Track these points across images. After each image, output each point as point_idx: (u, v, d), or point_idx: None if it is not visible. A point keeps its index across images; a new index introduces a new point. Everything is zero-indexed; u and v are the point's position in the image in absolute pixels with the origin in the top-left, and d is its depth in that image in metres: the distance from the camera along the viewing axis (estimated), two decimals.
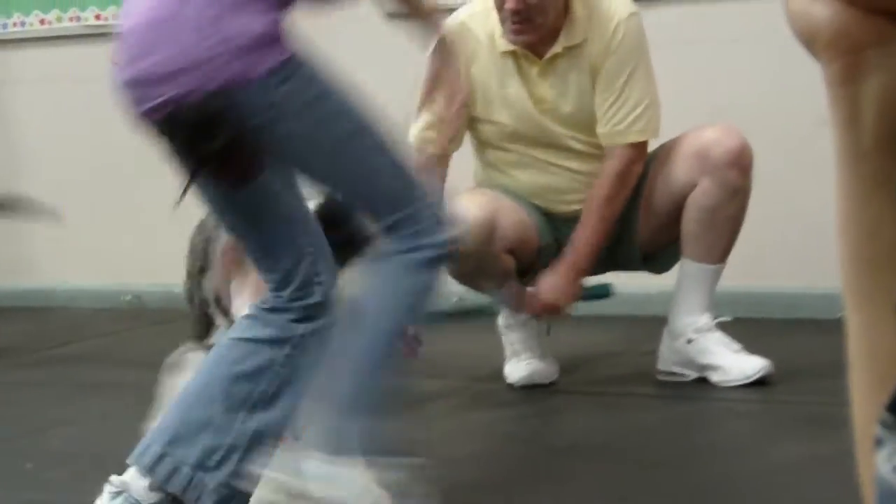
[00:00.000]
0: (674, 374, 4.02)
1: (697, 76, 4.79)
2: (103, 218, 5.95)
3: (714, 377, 3.93)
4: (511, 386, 4.14)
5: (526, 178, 4.03)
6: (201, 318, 3.19)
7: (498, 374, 4.19)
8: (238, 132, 2.53)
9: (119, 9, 5.85)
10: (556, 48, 3.91)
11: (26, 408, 4.38)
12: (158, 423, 2.75)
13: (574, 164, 4.00)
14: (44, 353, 5.18)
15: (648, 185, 3.98)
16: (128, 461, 2.72)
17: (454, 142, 3.99)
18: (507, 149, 4.03)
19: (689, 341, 3.96)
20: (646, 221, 4.01)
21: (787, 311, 4.67)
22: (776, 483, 2.95)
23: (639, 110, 3.87)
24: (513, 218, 3.98)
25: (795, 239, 4.66)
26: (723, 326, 4.05)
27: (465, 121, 3.98)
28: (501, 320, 4.22)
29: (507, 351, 4.20)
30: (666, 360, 4.03)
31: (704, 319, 3.96)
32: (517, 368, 4.15)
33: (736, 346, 3.96)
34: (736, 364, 3.90)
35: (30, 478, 3.57)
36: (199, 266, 3.18)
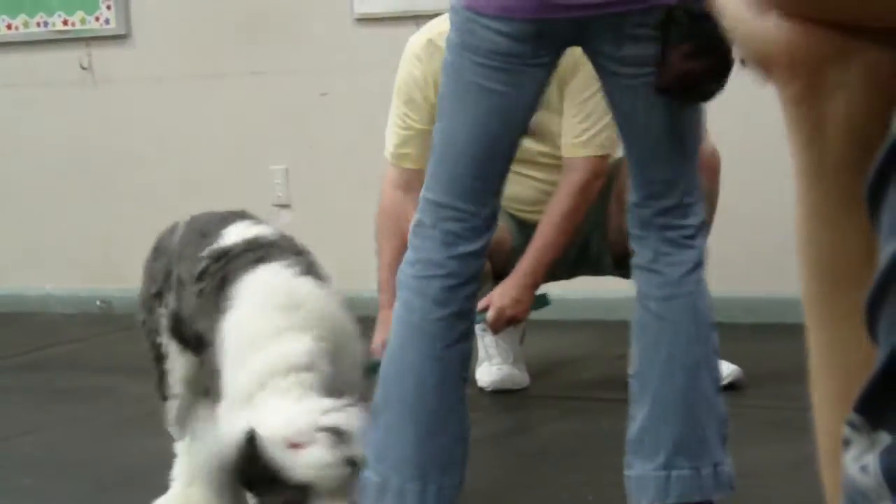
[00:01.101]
0: None
1: None
2: (73, 223, 5.93)
3: None
4: (482, 390, 4.15)
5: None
6: (153, 350, 3.01)
7: (470, 378, 4.20)
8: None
9: (86, 14, 5.85)
10: None
11: None
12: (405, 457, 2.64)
13: (538, 174, 4.03)
14: (14, 358, 5.16)
15: (617, 190, 4.00)
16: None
17: (427, 156, 4.02)
18: None
19: None
20: (616, 226, 4.02)
21: (753, 316, 4.69)
22: (743, 486, 2.97)
23: (601, 125, 3.89)
24: None
25: (761, 243, 4.68)
26: None
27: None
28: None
29: (480, 353, 4.22)
30: None
31: None
32: (489, 373, 4.16)
33: None
34: None
35: None
36: (155, 291, 2.98)
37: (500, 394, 4.12)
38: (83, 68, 5.85)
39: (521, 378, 4.17)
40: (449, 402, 2.61)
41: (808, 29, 0.62)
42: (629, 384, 2.79)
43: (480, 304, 4.00)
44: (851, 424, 0.58)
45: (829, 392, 0.63)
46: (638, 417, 2.72)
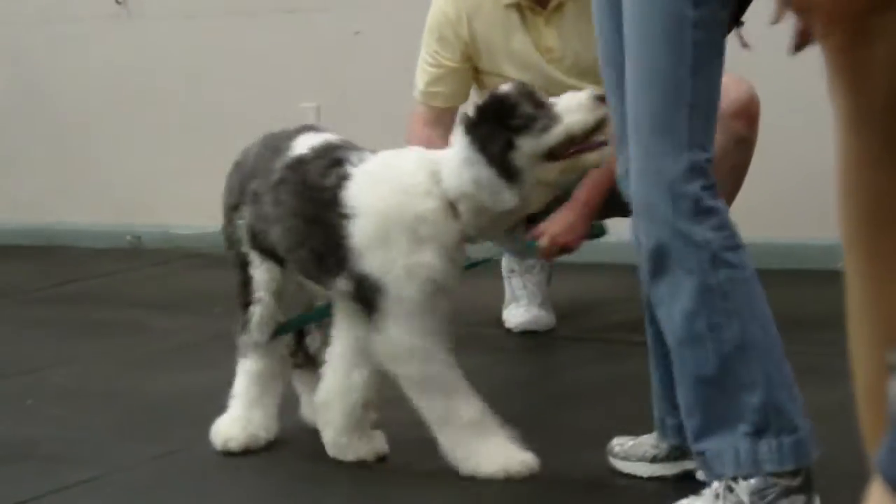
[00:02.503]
0: None
1: None
2: (105, 157, 5.95)
3: None
4: (510, 331, 4.16)
5: None
6: (236, 258, 3.15)
7: (498, 320, 4.21)
8: None
9: None
10: None
11: (27, 346, 4.40)
12: None
13: None
14: (45, 291, 5.20)
15: None
16: None
17: (460, 95, 3.99)
18: None
19: None
20: None
21: (784, 262, 4.68)
22: None
23: None
24: None
25: (793, 190, 4.66)
26: None
27: (471, 74, 3.98)
28: (505, 264, 4.23)
29: (508, 295, 4.22)
30: None
31: None
32: (516, 314, 4.16)
33: None
34: None
35: (30, 414, 3.60)
36: (233, 203, 3.15)
37: (527, 335, 4.12)
38: (118, 3, 5.84)
39: (547, 320, 4.17)
40: None
41: None
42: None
43: (533, 233, 3.96)
44: None
45: (868, 333, 0.63)
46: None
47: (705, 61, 2.51)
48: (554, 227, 3.86)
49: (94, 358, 4.16)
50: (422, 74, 4.00)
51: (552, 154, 2.87)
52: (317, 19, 5.44)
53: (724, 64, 2.58)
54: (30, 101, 6.10)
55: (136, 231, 5.88)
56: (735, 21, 2.63)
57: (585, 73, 3.91)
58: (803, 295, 4.29)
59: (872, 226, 0.63)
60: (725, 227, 2.53)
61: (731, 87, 3.85)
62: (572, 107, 2.87)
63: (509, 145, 2.85)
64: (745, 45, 2.61)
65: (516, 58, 3.92)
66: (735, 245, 2.54)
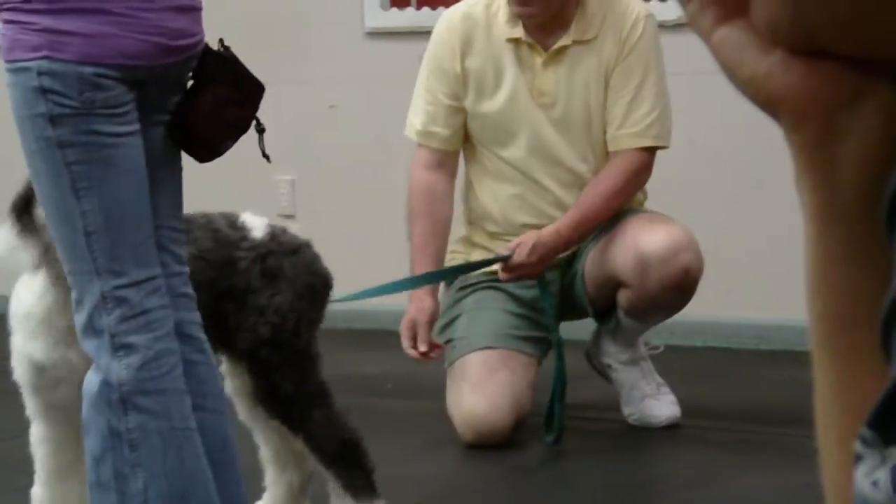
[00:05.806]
0: (594, 366, 3.97)
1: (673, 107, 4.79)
2: None
3: (626, 409, 3.87)
4: None
5: (511, 209, 3.80)
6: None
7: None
8: None
9: None
10: (565, 40, 3.68)
11: None
12: None
13: (560, 192, 3.76)
14: (6, 361, 5.15)
15: (596, 253, 3.76)
16: None
17: (458, 140, 3.80)
18: (492, 149, 3.79)
19: (610, 367, 3.89)
20: (591, 284, 3.80)
21: (759, 342, 4.69)
22: None
23: (655, 114, 3.68)
24: (527, 389, 3.81)
25: (767, 270, 4.68)
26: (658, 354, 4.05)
27: (464, 114, 3.78)
28: None
29: None
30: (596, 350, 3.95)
31: (629, 354, 3.85)
32: None
33: (655, 383, 3.86)
34: (646, 408, 3.83)
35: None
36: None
37: None
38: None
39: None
40: None
41: (820, 69, 0.59)
42: None
43: (510, 246, 3.68)
44: (863, 440, 0.57)
45: (838, 431, 0.62)
46: None
47: (89, 183, 2.35)
48: (520, 255, 3.63)
49: None
50: (418, 112, 3.79)
51: None
52: (292, 92, 5.45)
53: (138, 176, 2.42)
54: None
55: None
56: (258, 128, 2.61)
57: (570, 127, 3.74)
58: (775, 375, 4.29)
59: (841, 323, 0.62)
60: (146, 367, 2.34)
61: (666, 268, 3.60)
62: None
63: None
64: (265, 156, 2.60)
65: (505, 92, 3.72)
66: (155, 389, 2.35)
